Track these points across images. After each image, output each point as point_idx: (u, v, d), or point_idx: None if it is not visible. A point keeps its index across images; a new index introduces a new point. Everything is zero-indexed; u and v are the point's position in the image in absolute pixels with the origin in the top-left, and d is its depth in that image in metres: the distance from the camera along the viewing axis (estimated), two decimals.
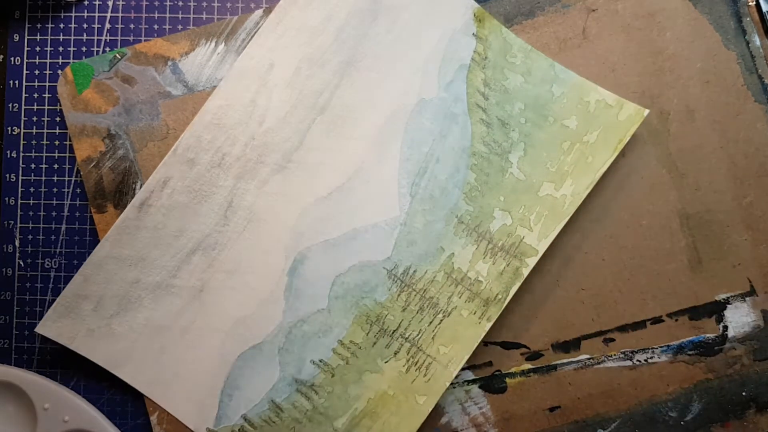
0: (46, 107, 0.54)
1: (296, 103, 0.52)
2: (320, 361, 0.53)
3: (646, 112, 0.54)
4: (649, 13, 0.55)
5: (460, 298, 0.53)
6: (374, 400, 0.53)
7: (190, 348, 0.52)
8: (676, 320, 0.54)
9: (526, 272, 0.53)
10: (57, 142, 0.54)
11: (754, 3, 0.56)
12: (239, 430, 0.52)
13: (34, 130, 0.54)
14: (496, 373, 0.54)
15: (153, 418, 0.52)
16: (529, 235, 0.53)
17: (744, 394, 0.54)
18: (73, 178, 0.54)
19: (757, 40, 0.55)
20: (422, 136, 0.54)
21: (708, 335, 0.54)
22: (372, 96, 0.53)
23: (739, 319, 0.54)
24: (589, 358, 0.54)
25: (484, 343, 0.54)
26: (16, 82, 0.54)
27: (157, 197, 0.49)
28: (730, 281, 0.54)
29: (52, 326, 0.49)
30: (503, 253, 0.53)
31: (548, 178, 0.54)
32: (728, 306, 0.54)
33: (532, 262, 0.53)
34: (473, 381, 0.54)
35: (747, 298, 0.54)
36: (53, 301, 0.53)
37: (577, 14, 0.56)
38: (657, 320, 0.54)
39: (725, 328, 0.54)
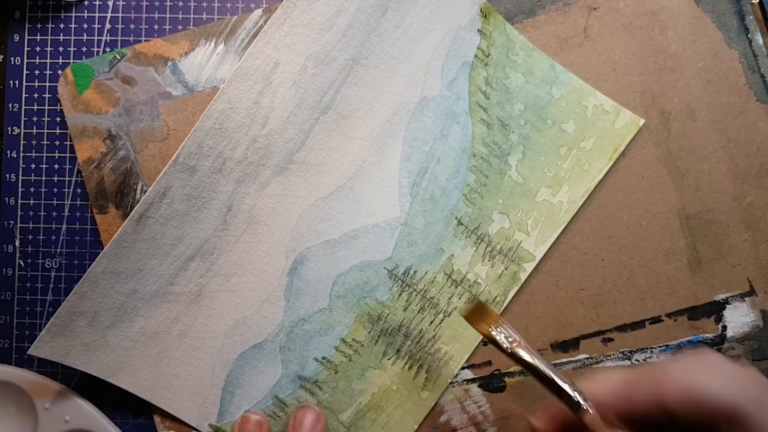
0: (46, 107, 0.54)
1: (300, 103, 0.51)
2: (323, 358, 0.53)
3: (642, 121, 0.54)
4: (651, 12, 0.55)
5: (459, 299, 0.53)
6: (378, 394, 0.53)
7: (189, 351, 0.52)
8: (675, 320, 0.54)
9: (523, 277, 0.53)
10: (57, 143, 0.54)
11: (758, 1, 0.55)
12: None
13: (34, 130, 0.54)
14: (495, 372, 0.54)
15: (156, 417, 0.52)
16: (526, 239, 0.53)
17: None
18: (74, 179, 0.54)
19: (759, 38, 0.55)
20: (424, 135, 0.54)
21: (707, 335, 0.54)
22: (376, 94, 0.53)
23: (738, 319, 0.54)
24: (587, 358, 0.54)
25: (484, 342, 0.54)
26: (16, 82, 0.54)
27: (156, 208, 0.49)
28: (730, 281, 0.54)
29: (45, 347, 0.49)
30: (501, 256, 0.53)
31: (545, 183, 0.54)
32: (727, 306, 0.54)
33: (529, 267, 0.53)
34: (472, 380, 0.54)
35: (746, 298, 0.54)
36: (53, 301, 0.53)
37: (578, 13, 0.55)
38: (656, 320, 0.54)
39: (724, 328, 0.54)
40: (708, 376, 0.37)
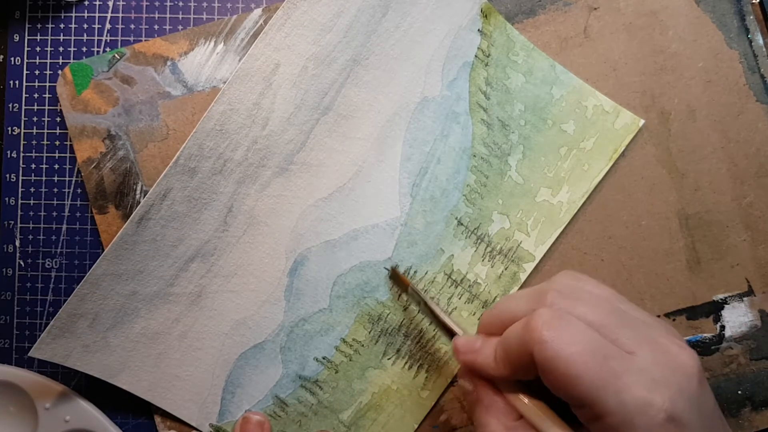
0: (46, 107, 0.54)
1: (300, 103, 0.51)
2: (323, 358, 0.53)
3: (642, 122, 0.54)
4: (652, 12, 0.55)
5: (459, 299, 0.53)
6: (378, 394, 0.53)
7: (189, 351, 0.52)
8: (674, 320, 0.54)
9: (523, 277, 0.53)
10: (57, 142, 0.54)
11: (758, 1, 0.55)
12: None
13: (34, 130, 0.54)
14: None
15: (157, 417, 0.53)
16: (526, 240, 0.53)
17: (740, 392, 0.54)
18: (74, 179, 0.54)
19: (760, 38, 0.55)
20: (424, 135, 0.54)
21: (705, 335, 0.54)
22: (376, 94, 0.53)
23: (737, 319, 0.54)
24: None
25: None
26: (16, 82, 0.54)
27: (157, 210, 0.49)
28: (728, 281, 0.54)
29: (45, 348, 0.49)
30: (501, 256, 0.53)
31: (545, 184, 0.54)
32: (726, 306, 0.54)
33: (529, 267, 0.53)
34: None
35: (745, 298, 0.54)
36: (53, 301, 0.53)
37: (578, 13, 0.55)
38: None
39: (722, 327, 0.54)
40: (572, 353, 0.37)
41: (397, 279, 0.53)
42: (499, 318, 0.43)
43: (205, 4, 0.55)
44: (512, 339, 0.40)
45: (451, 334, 0.46)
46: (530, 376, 0.39)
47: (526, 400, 0.40)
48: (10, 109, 0.54)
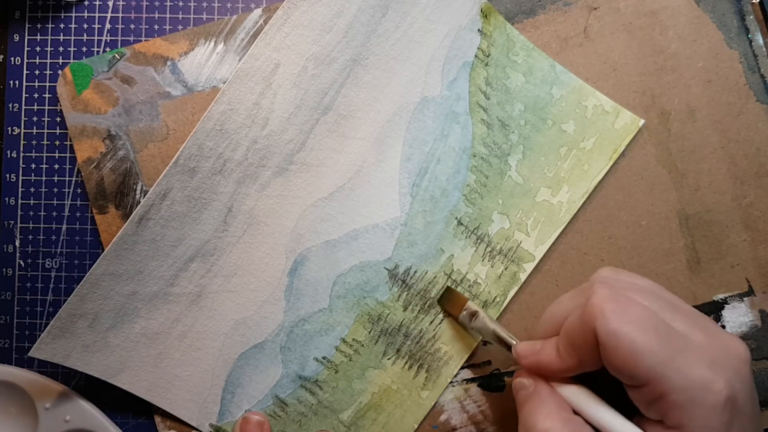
0: (46, 107, 0.54)
1: (300, 103, 0.51)
2: (323, 358, 0.53)
3: (642, 122, 0.54)
4: (652, 12, 0.55)
5: None
6: (378, 394, 0.53)
7: (189, 351, 0.52)
8: None
9: (523, 277, 0.53)
10: (57, 142, 0.54)
11: (758, 1, 0.55)
12: None
13: (34, 130, 0.54)
14: (495, 371, 0.54)
15: (157, 417, 0.53)
16: (526, 240, 0.53)
17: None
18: (74, 179, 0.54)
19: (760, 38, 0.55)
20: (424, 135, 0.54)
21: None
22: (376, 94, 0.53)
23: (737, 319, 0.54)
24: None
25: (483, 342, 0.54)
26: (16, 82, 0.54)
27: (156, 210, 0.49)
28: (729, 281, 0.54)
29: (45, 349, 0.49)
30: (501, 256, 0.53)
31: (545, 184, 0.54)
32: (726, 306, 0.54)
33: (529, 267, 0.53)
34: (472, 380, 0.54)
35: (745, 298, 0.54)
36: (53, 301, 0.53)
37: (578, 12, 0.55)
38: None
39: (723, 327, 0.54)
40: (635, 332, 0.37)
41: (450, 298, 0.53)
42: (550, 321, 0.44)
43: (205, 4, 0.55)
44: (573, 325, 0.40)
45: (508, 346, 0.48)
46: (595, 363, 0.40)
47: (581, 393, 0.41)
48: (10, 109, 0.54)
